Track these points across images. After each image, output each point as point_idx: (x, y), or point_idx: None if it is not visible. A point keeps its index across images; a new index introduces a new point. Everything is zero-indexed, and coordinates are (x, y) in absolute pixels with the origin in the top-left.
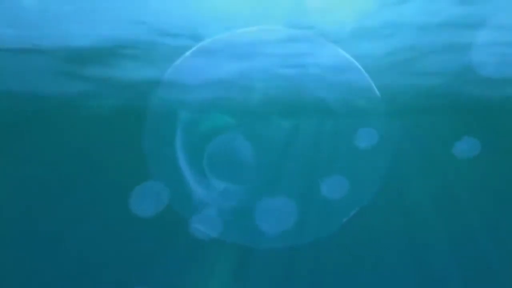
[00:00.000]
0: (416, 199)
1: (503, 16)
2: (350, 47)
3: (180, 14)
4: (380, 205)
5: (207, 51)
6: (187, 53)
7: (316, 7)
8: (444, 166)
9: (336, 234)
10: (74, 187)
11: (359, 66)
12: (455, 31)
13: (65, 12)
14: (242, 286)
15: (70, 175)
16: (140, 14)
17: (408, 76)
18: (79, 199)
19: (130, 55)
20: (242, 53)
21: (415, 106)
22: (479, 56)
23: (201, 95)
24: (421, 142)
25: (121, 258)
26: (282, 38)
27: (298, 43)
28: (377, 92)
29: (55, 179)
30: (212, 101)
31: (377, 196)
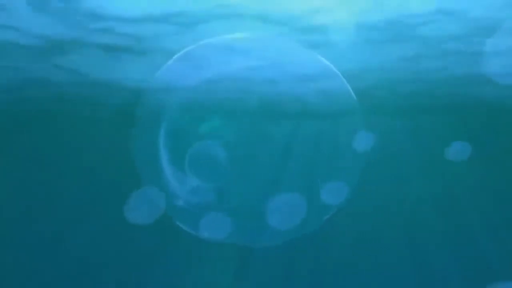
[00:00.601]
0: (415, 199)
1: None
2: (348, 47)
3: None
4: (379, 205)
5: (195, 55)
6: (176, 56)
7: (313, 8)
8: (444, 167)
9: (335, 234)
10: (74, 189)
11: (337, 71)
12: (460, 33)
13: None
14: (242, 285)
15: (71, 177)
16: (139, 11)
17: (408, 75)
18: (78, 201)
19: (131, 55)
20: (230, 57)
21: (415, 106)
22: (488, 60)
23: (188, 97)
24: (420, 142)
25: (121, 258)
26: (267, 44)
27: (281, 50)
28: (354, 96)
29: (55, 181)
30: (201, 104)
31: (376, 196)
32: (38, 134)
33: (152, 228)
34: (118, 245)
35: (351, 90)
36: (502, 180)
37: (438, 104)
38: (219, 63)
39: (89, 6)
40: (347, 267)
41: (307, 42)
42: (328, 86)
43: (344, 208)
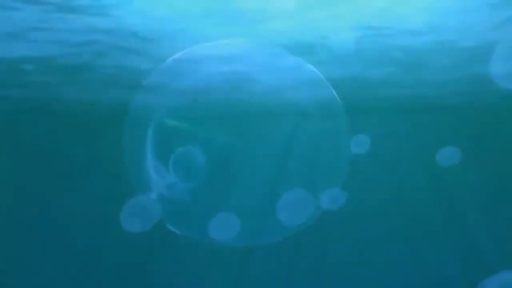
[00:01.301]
0: (415, 199)
1: None
2: (346, 48)
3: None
4: (378, 205)
5: (191, 57)
6: (173, 57)
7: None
8: (443, 167)
9: (334, 234)
10: (73, 189)
11: (321, 75)
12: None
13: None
14: (242, 285)
15: (70, 177)
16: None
17: (409, 75)
18: (78, 201)
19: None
20: (224, 60)
21: (414, 107)
22: (490, 62)
23: (185, 99)
24: (420, 143)
25: (120, 258)
26: (258, 49)
27: (271, 55)
28: (338, 98)
29: (54, 181)
30: (194, 106)
31: (375, 196)
32: (38, 134)
33: (152, 228)
34: (119, 243)
35: (336, 94)
36: (502, 180)
37: (438, 104)
38: (212, 67)
39: (85, 4)
40: (346, 267)
41: (305, 43)
42: (314, 90)
43: (343, 208)
